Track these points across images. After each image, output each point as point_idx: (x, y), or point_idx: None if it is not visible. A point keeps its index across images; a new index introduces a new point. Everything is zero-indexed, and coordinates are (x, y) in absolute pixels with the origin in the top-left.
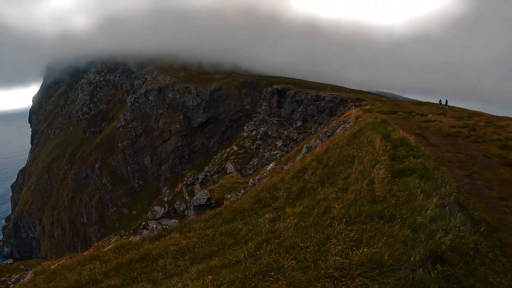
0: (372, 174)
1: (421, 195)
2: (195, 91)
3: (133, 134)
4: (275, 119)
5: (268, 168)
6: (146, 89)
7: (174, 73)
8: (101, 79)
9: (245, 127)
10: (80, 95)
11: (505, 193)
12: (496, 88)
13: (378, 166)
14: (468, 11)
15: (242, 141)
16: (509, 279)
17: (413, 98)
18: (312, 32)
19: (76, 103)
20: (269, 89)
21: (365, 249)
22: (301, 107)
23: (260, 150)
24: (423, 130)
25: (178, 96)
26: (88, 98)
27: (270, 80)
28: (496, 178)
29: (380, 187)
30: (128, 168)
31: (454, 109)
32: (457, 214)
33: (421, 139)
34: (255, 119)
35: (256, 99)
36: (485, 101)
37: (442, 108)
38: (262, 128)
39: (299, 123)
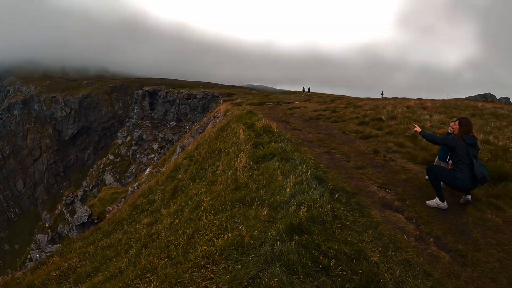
0: (236, 163)
1: (281, 175)
2: (63, 101)
3: (0, 156)
4: (148, 122)
5: (145, 173)
6: (9, 102)
7: (39, 82)
8: None
9: (118, 133)
10: None
11: (361, 163)
12: (360, 74)
13: (241, 155)
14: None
15: (117, 149)
16: (369, 235)
17: (282, 89)
18: (181, 30)
19: None
20: (140, 91)
21: (229, 234)
22: (174, 107)
23: (137, 155)
24: (288, 116)
25: (45, 107)
26: None
27: (141, 82)
28: (353, 151)
29: (242, 175)
30: (0, 196)
31: (320, 95)
32: (315, 188)
33: (285, 125)
34: (128, 124)
35: (128, 103)
36: (350, 86)
37: (307, 95)
38: (136, 133)
39: (173, 123)
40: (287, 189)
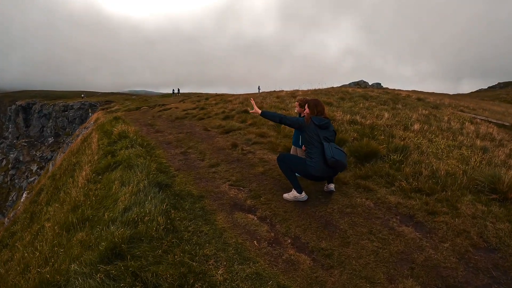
0: (80, 178)
1: (119, 187)
2: None
3: None
4: (24, 140)
5: (22, 200)
6: None
7: None
8: None
9: None
10: None
11: (216, 160)
12: (244, 71)
13: (85, 167)
14: (223, 5)
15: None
16: (212, 247)
17: (165, 92)
18: (48, 37)
19: None
20: (13, 107)
21: (38, 271)
22: (51, 121)
23: (16, 180)
24: (155, 119)
25: None
26: None
27: (14, 96)
28: (210, 148)
29: (80, 191)
30: None
31: (199, 95)
32: (154, 196)
33: (148, 128)
34: (1, 145)
35: (1, 122)
36: (234, 84)
37: (178, 96)
38: (12, 155)
39: (51, 140)
40: (120, 203)
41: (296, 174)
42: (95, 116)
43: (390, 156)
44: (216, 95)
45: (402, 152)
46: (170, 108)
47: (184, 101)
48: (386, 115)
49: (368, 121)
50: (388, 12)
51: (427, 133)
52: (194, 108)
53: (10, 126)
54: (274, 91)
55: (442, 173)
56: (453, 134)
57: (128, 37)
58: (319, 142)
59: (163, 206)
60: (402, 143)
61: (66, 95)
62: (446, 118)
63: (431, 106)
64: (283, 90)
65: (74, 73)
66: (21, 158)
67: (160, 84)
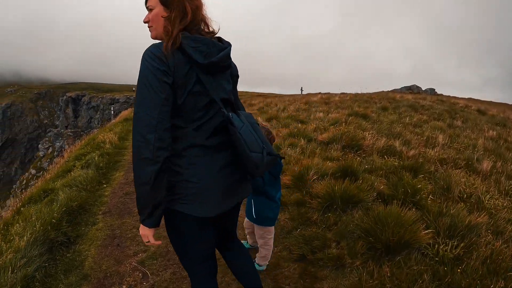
0: None
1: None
2: None
3: None
4: (70, 131)
5: None
6: None
7: None
8: None
9: (40, 145)
10: None
11: None
12: (295, 72)
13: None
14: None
15: (39, 162)
16: None
17: None
18: (97, 32)
19: None
20: (64, 97)
21: None
22: (98, 113)
23: None
24: None
25: None
26: None
27: (67, 87)
28: None
29: None
30: None
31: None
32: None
33: None
34: (49, 134)
35: (53, 111)
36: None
37: None
38: (58, 143)
39: (96, 131)
40: None
41: None
42: (127, 112)
43: (439, 245)
44: (258, 95)
45: (463, 237)
46: None
47: None
48: (441, 138)
49: (412, 151)
50: (459, 11)
51: (503, 178)
52: None
53: (61, 115)
54: (320, 93)
55: None
56: None
57: None
58: None
59: None
60: (465, 217)
61: (115, 89)
62: None
63: (496, 123)
64: (319, 93)
65: (121, 67)
66: (65, 147)
67: None
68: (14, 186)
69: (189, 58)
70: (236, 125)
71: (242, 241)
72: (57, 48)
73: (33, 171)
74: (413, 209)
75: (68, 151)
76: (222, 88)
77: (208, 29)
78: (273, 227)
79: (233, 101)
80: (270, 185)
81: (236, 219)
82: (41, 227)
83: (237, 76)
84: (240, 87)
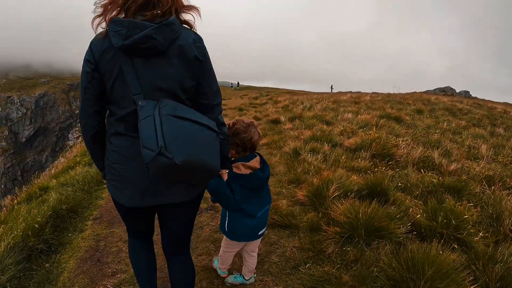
0: None
1: None
2: (18, 101)
3: None
4: None
5: None
6: None
7: None
8: None
9: (69, 134)
10: None
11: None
12: (327, 69)
13: None
14: None
15: (68, 151)
16: None
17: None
18: None
19: None
20: None
21: None
22: None
23: None
24: None
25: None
26: None
27: None
28: None
29: None
30: None
31: (266, 89)
32: None
33: None
34: (79, 124)
35: None
36: (315, 81)
37: (236, 89)
38: None
39: None
40: None
41: None
42: None
43: None
44: (287, 92)
45: None
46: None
47: (242, 97)
48: (484, 149)
49: (454, 165)
50: (500, 11)
51: None
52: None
53: None
54: (350, 91)
55: None
56: None
57: (215, 28)
58: None
59: None
60: None
61: None
62: None
63: None
64: (349, 92)
65: None
66: None
67: (242, 77)
68: (42, 173)
69: (109, 43)
70: (140, 116)
71: (235, 274)
72: (86, 41)
73: (61, 160)
74: (456, 248)
75: (78, 145)
76: (159, 74)
77: (162, 11)
78: (258, 240)
79: (179, 88)
80: (246, 202)
81: (185, 226)
82: (21, 233)
83: (197, 58)
84: (269, 83)
